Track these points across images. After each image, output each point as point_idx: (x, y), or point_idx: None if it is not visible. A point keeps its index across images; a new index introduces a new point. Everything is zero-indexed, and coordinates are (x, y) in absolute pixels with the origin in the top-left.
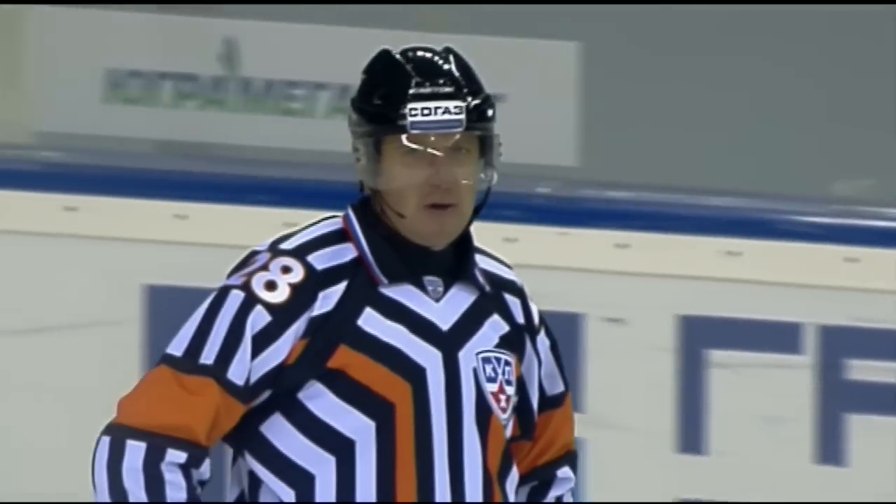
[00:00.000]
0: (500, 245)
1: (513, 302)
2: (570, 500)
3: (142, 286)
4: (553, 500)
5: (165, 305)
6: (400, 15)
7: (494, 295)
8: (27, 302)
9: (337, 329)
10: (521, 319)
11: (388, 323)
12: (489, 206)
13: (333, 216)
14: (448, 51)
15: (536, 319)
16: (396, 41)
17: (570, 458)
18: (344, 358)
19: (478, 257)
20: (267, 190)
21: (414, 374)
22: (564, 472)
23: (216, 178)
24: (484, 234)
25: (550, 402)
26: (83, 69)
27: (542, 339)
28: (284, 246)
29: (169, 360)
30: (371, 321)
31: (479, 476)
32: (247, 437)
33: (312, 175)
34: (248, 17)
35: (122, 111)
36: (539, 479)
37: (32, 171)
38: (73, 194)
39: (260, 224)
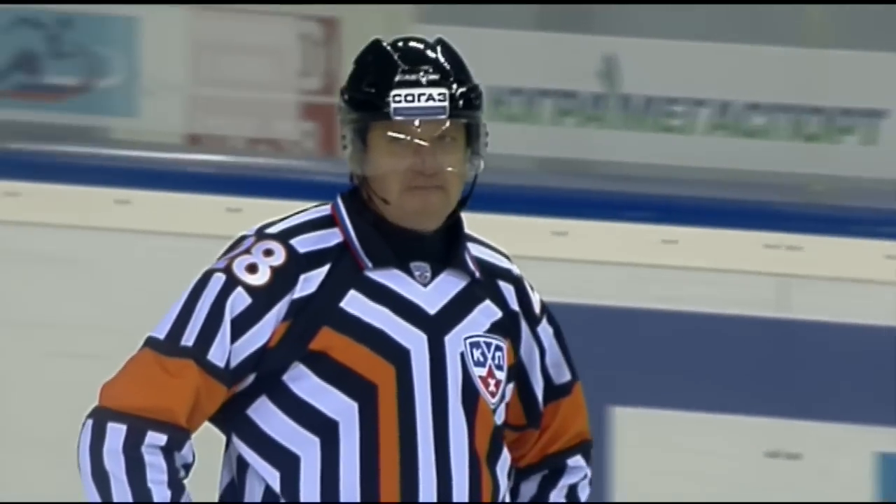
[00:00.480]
0: (882, 263)
1: (507, 289)
2: (587, 490)
3: None
4: (565, 490)
5: None
6: (784, 30)
7: (487, 282)
8: None
9: (319, 311)
10: (515, 306)
11: (373, 305)
12: (872, 223)
13: (323, 204)
14: (439, 41)
15: (537, 308)
16: (780, 57)
17: (583, 447)
18: (326, 340)
19: (472, 246)
20: (645, 206)
21: (397, 355)
22: (576, 460)
23: (595, 194)
24: (868, 252)
25: (558, 391)
26: None
27: (545, 328)
28: (270, 230)
29: (151, 343)
30: (354, 303)
31: (464, 457)
32: (235, 420)
33: (692, 192)
34: (628, 35)
35: (503, 128)
36: (550, 468)
37: None
38: None
39: (637, 240)
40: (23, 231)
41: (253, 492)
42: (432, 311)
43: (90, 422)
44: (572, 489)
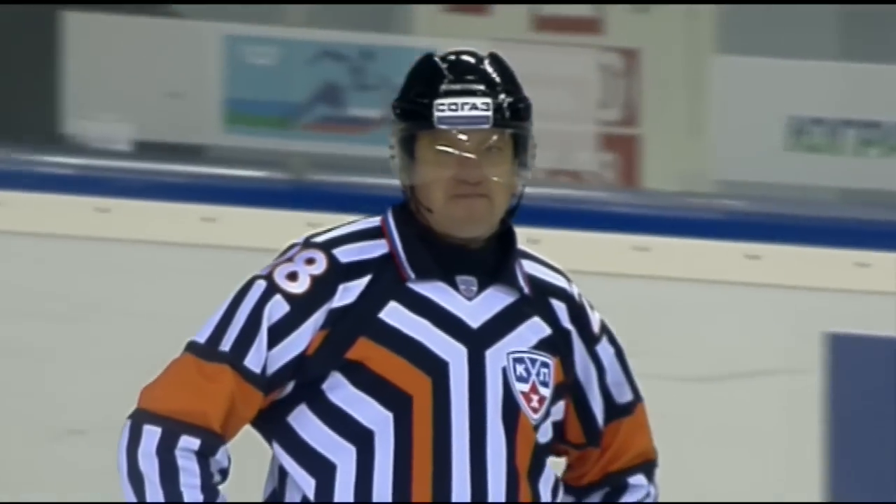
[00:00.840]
0: None
1: (559, 307)
2: None
3: (824, 334)
4: None
5: (847, 354)
6: None
7: (537, 299)
8: (711, 350)
9: (357, 321)
10: (567, 324)
11: (413, 317)
12: None
13: (375, 216)
14: (490, 55)
15: (596, 327)
16: None
17: (645, 466)
18: (363, 350)
19: (526, 263)
20: None
21: (435, 367)
22: (637, 479)
23: None
24: None
25: (619, 411)
26: (765, 117)
27: (605, 347)
28: (316, 239)
29: (192, 348)
30: (394, 314)
31: (502, 472)
32: (276, 427)
33: None
34: None
35: (804, 159)
36: (611, 486)
37: (715, 219)
38: (755, 242)
39: None
40: None
41: (293, 501)
42: (475, 324)
43: (129, 423)
44: None
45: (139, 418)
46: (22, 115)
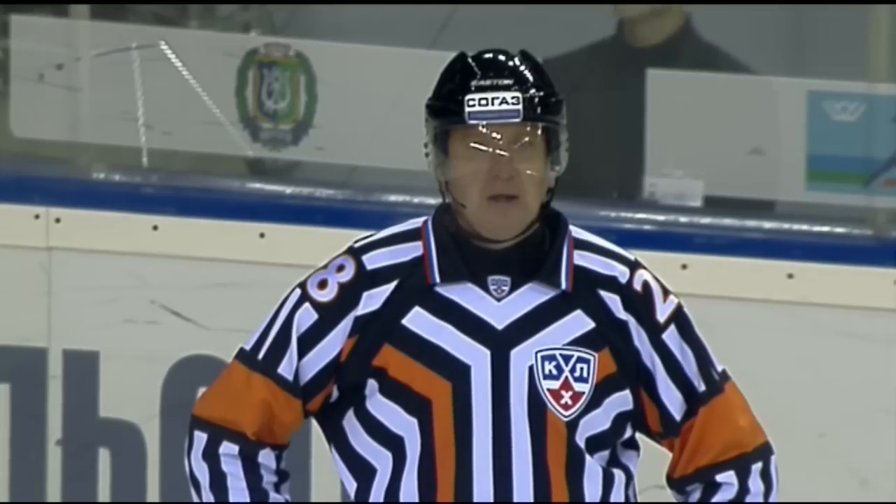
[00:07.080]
0: None
1: (609, 298)
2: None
3: None
4: None
5: None
6: None
7: (582, 292)
8: None
9: (382, 328)
10: (621, 315)
11: (435, 321)
12: None
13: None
14: (522, 53)
15: (661, 317)
16: None
17: (738, 462)
18: (386, 357)
19: (581, 254)
20: None
21: (455, 371)
22: (727, 476)
23: None
24: None
25: (695, 401)
26: None
27: (672, 336)
28: (357, 243)
29: (239, 354)
30: (417, 320)
31: (528, 472)
32: (331, 432)
33: None
34: None
35: None
36: (701, 482)
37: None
38: None
39: None
40: None
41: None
42: (500, 326)
43: (189, 425)
44: None
45: (192, 424)
46: (608, 172)
